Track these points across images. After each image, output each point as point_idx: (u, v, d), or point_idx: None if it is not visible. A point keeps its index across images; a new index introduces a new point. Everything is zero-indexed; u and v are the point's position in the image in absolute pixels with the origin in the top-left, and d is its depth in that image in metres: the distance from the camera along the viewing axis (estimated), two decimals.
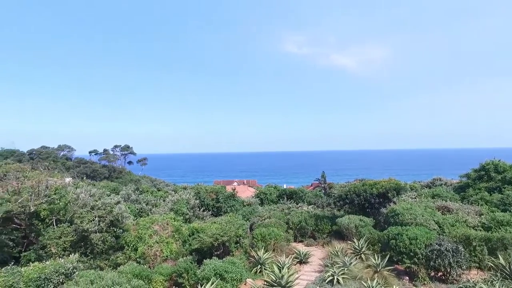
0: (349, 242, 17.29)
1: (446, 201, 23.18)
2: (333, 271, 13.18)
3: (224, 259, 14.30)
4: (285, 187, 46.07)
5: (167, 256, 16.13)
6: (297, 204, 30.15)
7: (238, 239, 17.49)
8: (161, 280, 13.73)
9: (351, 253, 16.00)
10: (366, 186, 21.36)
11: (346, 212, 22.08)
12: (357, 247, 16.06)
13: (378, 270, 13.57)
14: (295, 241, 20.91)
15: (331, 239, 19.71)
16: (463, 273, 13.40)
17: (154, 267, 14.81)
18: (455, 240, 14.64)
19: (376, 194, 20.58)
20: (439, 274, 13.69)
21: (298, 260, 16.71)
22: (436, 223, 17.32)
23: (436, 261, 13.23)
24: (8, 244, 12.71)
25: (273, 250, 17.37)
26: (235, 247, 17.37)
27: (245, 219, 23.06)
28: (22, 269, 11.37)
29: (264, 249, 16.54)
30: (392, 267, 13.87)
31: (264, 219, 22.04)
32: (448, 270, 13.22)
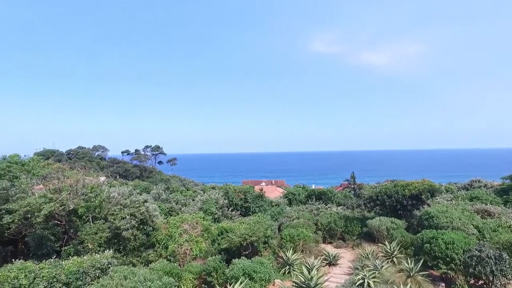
0: (380, 244, 16.81)
1: (486, 204, 21.95)
2: (363, 274, 12.86)
3: (252, 259, 14.34)
4: (313, 187, 45.55)
5: (196, 254, 16.41)
6: (326, 205, 29.74)
7: (266, 239, 17.49)
8: (191, 278, 13.99)
9: (382, 256, 15.54)
10: (398, 187, 20.70)
11: (377, 214, 21.50)
12: (388, 250, 15.59)
13: (411, 274, 13.08)
14: (324, 242, 20.63)
15: (361, 241, 19.26)
16: (508, 283, 12.55)
17: (184, 265, 15.11)
18: (498, 246, 13.82)
19: (408, 196, 19.88)
20: (480, 282, 12.95)
21: (327, 262, 16.46)
22: (475, 228, 16.45)
23: (476, 268, 12.52)
24: (50, 238, 13.47)
25: (302, 251, 17.22)
26: (263, 247, 17.38)
27: (273, 219, 23.02)
28: (63, 262, 11.99)
29: (292, 250, 16.43)
30: (426, 272, 13.32)
31: (293, 220, 21.91)
32: (491, 279, 12.44)
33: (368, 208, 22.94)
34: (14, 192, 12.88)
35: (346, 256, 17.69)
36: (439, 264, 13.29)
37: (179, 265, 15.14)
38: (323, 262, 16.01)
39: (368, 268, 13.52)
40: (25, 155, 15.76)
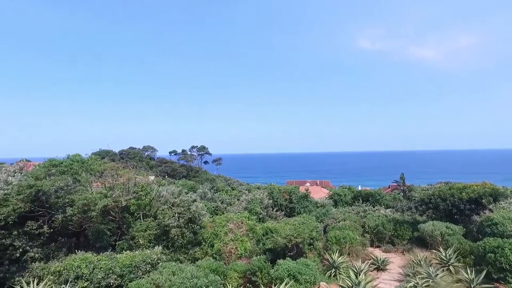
0: (434, 251, 15.72)
1: None
2: (415, 281, 12.13)
3: (297, 260, 14.15)
4: (360, 188, 44.08)
5: (241, 254, 16.57)
6: (373, 207, 28.65)
7: (311, 241, 17.19)
8: (236, 277, 14.14)
9: (436, 263, 14.52)
10: (453, 190, 19.26)
11: (429, 218, 20.22)
12: (444, 257, 14.53)
13: (472, 286, 12.05)
14: (371, 246, 19.83)
15: (412, 246, 18.18)
16: None
17: (229, 264, 15.33)
18: None
19: (466, 200, 18.42)
20: None
21: (375, 267, 15.77)
22: None
23: None
24: (106, 233, 14.44)
25: (348, 254, 16.67)
26: (308, 249, 17.10)
27: (319, 220, 22.60)
28: (118, 255, 12.80)
29: (338, 252, 15.97)
30: (491, 285, 12.14)
31: (339, 222, 21.33)
32: None
33: (420, 212, 21.66)
34: (75, 188, 13.99)
35: (396, 261, 16.83)
36: (507, 278, 12.08)
37: (225, 263, 15.38)
38: (370, 267, 15.37)
39: (421, 276, 12.72)
40: (86, 154, 16.98)
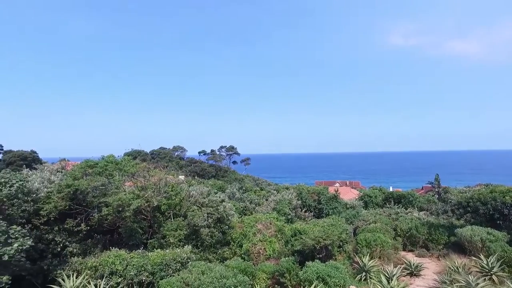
0: (473, 258, 14.86)
1: None
2: None
3: (326, 262, 13.92)
4: (391, 189, 42.81)
5: (270, 254, 16.55)
6: (406, 209, 27.66)
7: (341, 243, 16.86)
8: (264, 278, 14.13)
9: (476, 272, 13.66)
10: (495, 194, 18.20)
11: (468, 222, 19.20)
12: (485, 265, 13.67)
13: None
14: (404, 250, 19.12)
15: (448, 252, 17.33)
16: None
17: (257, 264, 15.35)
18: None
19: (510, 204, 17.32)
20: None
21: (408, 272, 15.18)
22: None
23: None
24: (138, 231, 14.94)
25: (379, 258, 16.18)
26: (338, 251, 16.78)
27: (348, 222, 22.14)
28: (149, 253, 13.19)
29: (369, 255, 15.53)
30: None
31: (369, 224, 20.77)
32: None
33: (457, 215, 20.65)
34: (110, 188, 14.58)
35: (430, 267, 16.12)
36: None
37: (253, 264, 15.41)
38: (403, 272, 14.81)
39: (459, 284, 12.06)
40: (118, 155, 17.63)
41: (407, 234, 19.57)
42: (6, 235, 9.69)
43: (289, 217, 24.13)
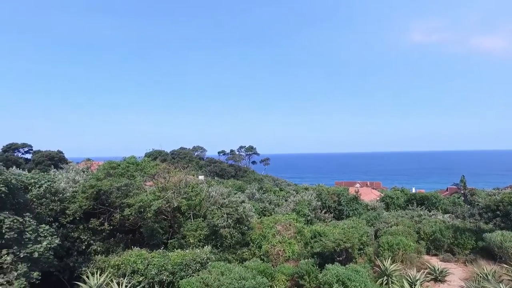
0: (504, 265, 14.18)
1: None
2: None
3: (347, 265, 13.71)
4: (414, 191, 41.77)
5: (289, 256, 16.48)
6: (429, 211, 26.88)
7: (362, 246, 16.58)
8: (283, 280, 14.08)
9: (508, 280, 13.00)
10: None
11: (497, 227, 18.43)
12: None
13: None
14: (427, 253, 18.57)
15: (476, 257, 16.67)
16: None
17: (276, 266, 15.32)
18: None
19: None
20: None
21: (432, 277, 14.74)
22: None
23: None
24: (159, 231, 15.23)
25: (401, 262, 15.79)
26: (358, 254, 16.51)
27: (369, 224, 21.74)
28: (169, 253, 13.39)
29: (390, 259, 15.19)
30: None
31: (391, 226, 20.31)
32: None
33: (485, 219, 19.84)
34: (131, 189, 14.93)
35: (457, 272, 15.57)
36: None
37: (272, 265, 15.39)
38: (427, 277, 14.39)
39: None
40: (139, 157, 18.00)
41: (430, 238, 19.00)
42: (36, 233, 10.10)
43: (309, 218, 23.93)
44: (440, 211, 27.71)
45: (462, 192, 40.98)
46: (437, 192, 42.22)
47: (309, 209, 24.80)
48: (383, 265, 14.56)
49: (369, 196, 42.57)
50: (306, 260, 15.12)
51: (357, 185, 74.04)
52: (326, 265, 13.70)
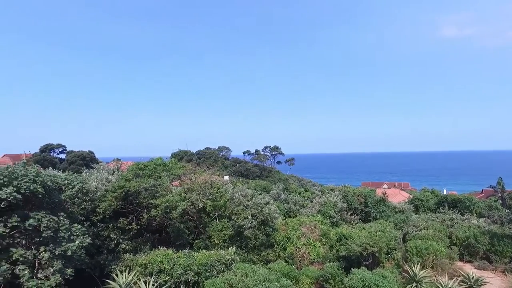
0: None
1: None
2: None
3: (373, 270, 13.39)
4: (445, 193, 40.12)
5: (314, 259, 16.30)
6: (462, 215, 25.69)
7: (389, 250, 16.12)
8: (308, 283, 13.94)
9: None
10: None
11: None
12: None
13: None
14: (460, 260, 17.77)
15: None
16: None
17: (301, 269, 15.19)
18: None
19: None
20: None
21: (466, 286, 14.04)
22: None
23: None
24: (185, 231, 15.55)
25: (432, 268, 15.19)
26: (385, 258, 16.07)
27: (397, 227, 21.10)
28: (195, 254, 13.61)
29: (420, 264, 14.65)
30: None
31: (420, 230, 19.61)
32: None
33: None
34: (158, 189, 15.31)
35: (494, 282, 14.72)
36: None
37: (297, 268, 15.28)
38: (460, 285, 13.74)
39: None
40: (166, 157, 18.41)
41: (464, 243, 18.19)
42: (69, 232, 10.57)
43: (334, 220, 23.57)
44: (475, 215, 26.44)
45: (500, 195, 38.82)
46: (471, 194, 40.36)
47: (334, 211, 24.44)
48: (412, 270, 14.07)
49: (397, 197, 41.36)
50: (331, 263, 14.91)
51: (385, 186, 72.16)
52: (352, 269, 13.44)
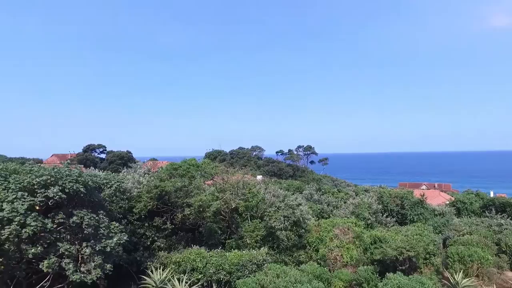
0: None
1: None
2: None
3: (410, 276, 12.83)
4: (492, 195, 37.60)
5: (347, 262, 15.93)
6: None
7: (427, 255, 15.38)
8: (341, 286, 13.66)
9: None
10: None
11: None
12: None
13: None
14: (511, 270, 16.53)
15: None
16: None
17: (333, 271, 14.92)
18: None
19: None
20: None
21: None
22: None
23: None
24: (217, 231, 15.85)
25: (476, 276, 14.31)
26: (423, 264, 15.35)
27: (436, 231, 20.14)
28: (227, 253, 13.80)
29: (463, 272, 13.85)
30: None
31: (463, 235, 18.55)
32: None
33: None
34: (191, 189, 15.70)
35: None
36: None
37: (329, 270, 15.02)
38: None
39: None
40: (199, 157, 18.80)
41: None
42: (108, 230, 11.13)
43: (369, 222, 22.90)
44: None
45: None
46: None
47: (369, 213, 23.75)
48: (454, 278, 13.35)
49: (437, 199, 39.41)
50: (365, 267, 14.51)
51: (423, 187, 69.09)
52: (387, 273, 13.01)
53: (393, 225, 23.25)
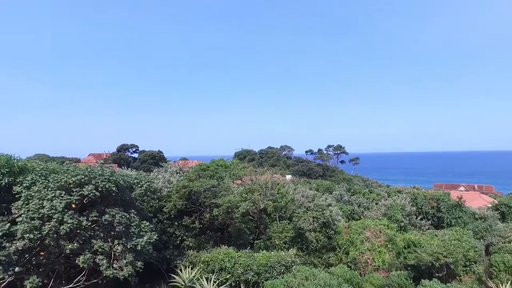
0: None
1: None
2: None
3: (448, 284, 12.16)
4: None
5: (378, 266, 15.40)
6: None
7: (467, 262, 14.52)
8: None
9: None
10: None
11: None
12: None
13: None
14: None
15: None
16: None
17: (364, 275, 14.46)
18: None
19: None
20: None
21: None
22: None
23: None
24: (246, 231, 15.84)
25: None
26: (463, 271, 14.51)
27: (477, 237, 18.93)
28: (255, 254, 13.75)
29: (509, 283, 12.87)
30: None
31: (509, 242, 17.28)
32: None
33: None
34: (220, 190, 15.79)
35: None
36: None
37: (360, 274, 14.58)
38: None
39: None
40: (228, 157, 18.89)
41: None
42: (139, 228, 11.41)
43: (402, 224, 22.04)
44: None
45: None
46: None
47: (402, 215, 22.87)
48: None
49: (477, 202, 37.20)
50: (398, 272, 13.97)
51: (461, 188, 65.60)
52: (422, 280, 12.43)
53: (428, 229, 22.25)
